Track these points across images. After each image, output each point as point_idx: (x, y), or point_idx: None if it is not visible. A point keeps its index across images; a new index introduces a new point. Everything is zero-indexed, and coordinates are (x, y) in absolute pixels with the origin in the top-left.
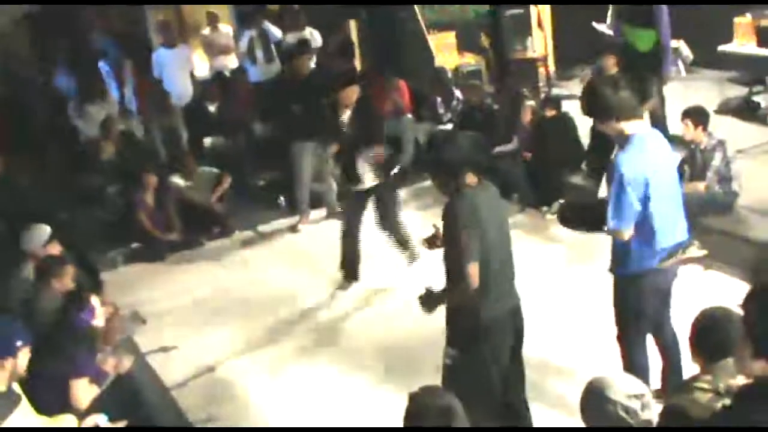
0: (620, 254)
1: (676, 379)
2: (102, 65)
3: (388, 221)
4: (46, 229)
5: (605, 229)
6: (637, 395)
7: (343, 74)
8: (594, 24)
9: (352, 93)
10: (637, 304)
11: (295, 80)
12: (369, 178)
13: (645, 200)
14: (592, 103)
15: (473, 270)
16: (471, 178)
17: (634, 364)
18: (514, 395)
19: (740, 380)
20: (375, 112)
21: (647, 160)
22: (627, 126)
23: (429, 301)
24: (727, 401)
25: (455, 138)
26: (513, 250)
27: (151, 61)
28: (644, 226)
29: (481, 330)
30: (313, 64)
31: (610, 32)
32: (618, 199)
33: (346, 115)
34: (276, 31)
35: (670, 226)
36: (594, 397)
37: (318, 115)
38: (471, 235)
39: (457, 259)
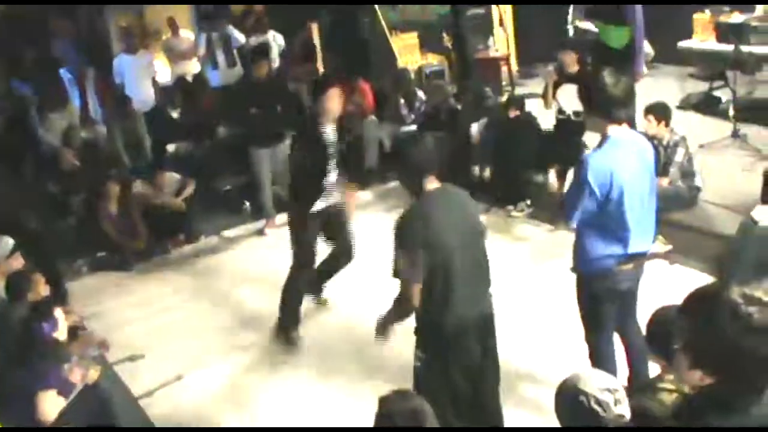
0: (581, 252)
1: (643, 378)
2: (63, 72)
3: (345, 239)
4: (8, 241)
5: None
6: (611, 389)
7: (324, 77)
8: (577, 22)
9: (337, 99)
10: (594, 305)
11: (254, 84)
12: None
13: (608, 201)
14: (594, 93)
15: (414, 291)
16: (432, 182)
17: (600, 365)
18: (485, 397)
19: None
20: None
21: (618, 161)
22: (611, 128)
23: (380, 328)
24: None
25: (417, 140)
26: (484, 255)
27: (112, 68)
28: (609, 226)
29: (444, 338)
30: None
31: (594, 28)
32: (573, 190)
33: (329, 128)
34: (239, 36)
35: (640, 232)
36: (567, 389)
37: (276, 120)
38: (416, 255)
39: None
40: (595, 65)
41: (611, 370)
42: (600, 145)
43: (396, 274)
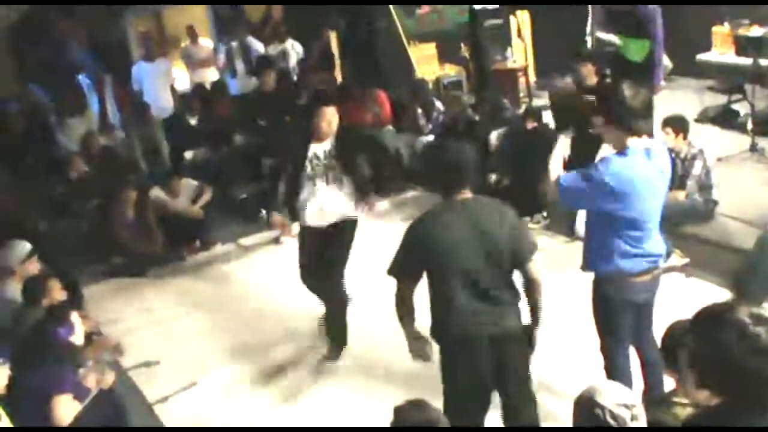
0: (592, 252)
1: (657, 391)
2: (82, 79)
3: (340, 268)
4: (25, 246)
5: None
6: (628, 405)
7: (316, 92)
8: (598, 34)
9: (330, 117)
10: (610, 316)
11: (262, 95)
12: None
13: (625, 207)
14: (614, 105)
15: (404, 291)
16: (463, 193)
17: (615, 377)
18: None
19: None
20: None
21: (639, 171)
22: (631, 140)
23: (414, 346)
24: None
25: (454, 148)
26: (506, 273)
27: (131, 74)
28: (623, 231)
29: (444, 348)
30: (295, 76)
31: (616, 40)
32: (579, 180)
33: (320, 147)
34: (258, 45)
35: (653, 242)
36: (584, 401)
37: (285, 130)
38: (411, 256)
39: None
40: (614, 77)
41: (626, 382)
42: (621, 152)
43: (391, 270)
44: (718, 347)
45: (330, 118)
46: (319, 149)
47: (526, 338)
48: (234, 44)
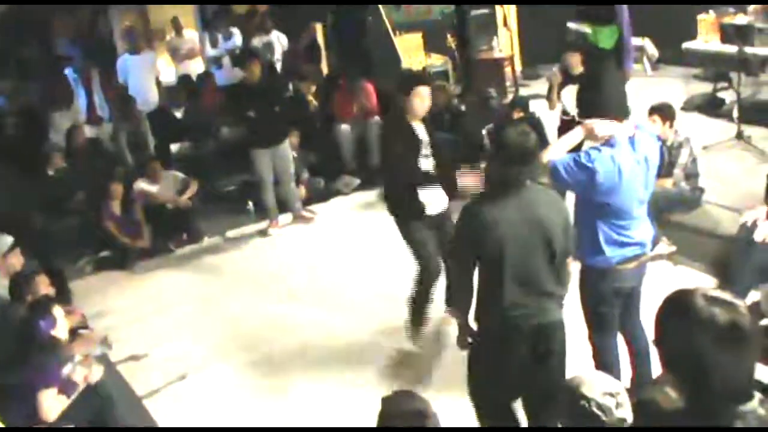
0: (582, 243)
1: (645, 378)
2: (69, 72)
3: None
4: (6, 239)
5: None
6: (612, 393)
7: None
8: (569, 24)
9: (425, 95)
10: (598, 305)
11: (248, 87)
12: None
13: (612, 195)
14: (595, 96)
15: (458, 274)
16: (520, 178)
17: (602, 365)
18: (531, 406)
19: None
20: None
21: (624, 158)
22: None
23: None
24: None
25: (522, 132)
26: (552, 263)
27: (116, 67)
28: (610, 219)
29: (485, 335)
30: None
31: (587, 29)
32: (573, 168)
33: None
34: (238, 37)
35: (640, 229)
36: (569, 393)
37: (274, 121)
38: (465, 243)
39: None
40: (587, 66)
41: (614, 370)
42: (607, 142)
43: (449, 253)
44: (677, 335)
45: (425, 96)
46: (422, 133)
47: (565, 331)
48: (219, 36)
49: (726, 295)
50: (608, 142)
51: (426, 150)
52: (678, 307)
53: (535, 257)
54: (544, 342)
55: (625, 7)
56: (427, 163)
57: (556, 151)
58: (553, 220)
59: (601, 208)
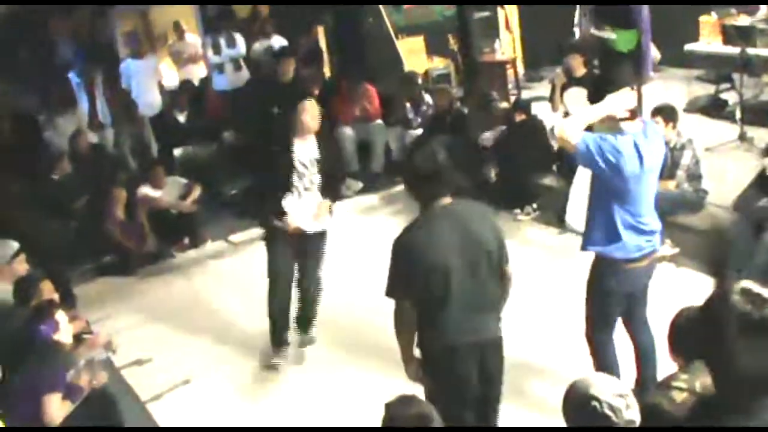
0: (592, 231)
1: (651, 379)
2: (72, 76)
3: (315, 277)
4: (12, 245)
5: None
6: (622, 395)
7: (293, 85)
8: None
9: (312, 113)
10: (604, 301)
11: (277, 85)
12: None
13: (625, 185)
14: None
15: (404, 309)
16: (444, 199)
17: (603, 363)
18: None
19: None
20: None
21: (643, 147)
22: (623, 124)
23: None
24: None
25: (429, 150)
26: (490, 280)
27: (119, 72)
28: (622, 212)
29: (429, 358)
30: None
31: (612, 35)
32: (601, 147)
33: (304, 146)
34: (240, 42)
35: (650, 214)
36: (578, 395)
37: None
38: (408, 274)
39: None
40: (603, 69)
41: (614, 369)
42: (621, 132)
43: (389, 291)
44: (714, 331)
45: (313, 112)
46: (303, 155)
47: (503, 344)
48: (221, 40)
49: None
50: (621, 132)
51: (303, 168)
52: (715, 307)
53: (475, 274)
54: (485, 358)
55: (646, 11)
56: (301, 180)
57: (576, 124)
58: (487, 232)
59: (621, 194)
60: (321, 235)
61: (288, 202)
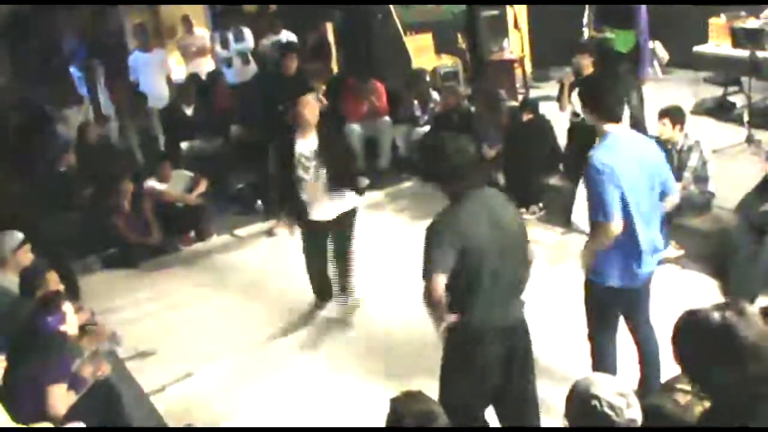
0: (598, 263)
1: (654, 381)
2: (73, 70)
3: (345, 255)
4: (17, 236)
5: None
6: (623, 394)
7: (296, 79)
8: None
9: (311, 107)
10: (600, 305)
11: (282, 79)
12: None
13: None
14: (590, 96)
15: (436, 285)
16: (473, 185)
17: (601, 364)
18: (510, 407)
19: None
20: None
21: (620, 160)
22: (608, 126)
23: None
24: (707, 403)
25: (459, 141)
26: (519, 264)
27: (127, 65)
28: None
29: (456, 339)
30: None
31: (611, 36)
32: (597, 193)
33: (306, 141)
34: (248, 38)
35: (647, 235)
36: (579, 393)
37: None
38: (445, 254)
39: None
40: (600, 68)
41: (611, 369)
42: (601, 142)
43: (425, 274)
44: (699, 350)
45: (312, 105)
46: (305, 148)
47: (529, 329)
48: (230, 34)
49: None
50: (603, 139)
51: (306, 160)
52: (691, 323)
53: (505, 258)
54: (513, 342)
55: (644, 10)
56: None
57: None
58: (513, 219)
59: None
60: (348, 214)
61: (307, 196)
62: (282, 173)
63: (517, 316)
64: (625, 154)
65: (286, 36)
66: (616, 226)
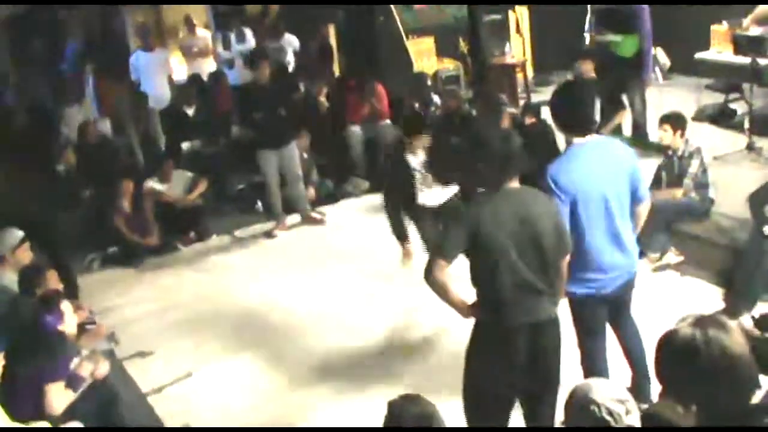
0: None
1: (643, 380)
2: (68, 68)
3: None
4: (16, 234)
5: None
6: (622, 400)
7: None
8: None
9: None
10: (581, 311)
11: (258, 88)
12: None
13: (573, 212)
14: (561, 110)
15: (436, 266)
16: (512, 182)
17: (592, 371)
18: (532, 404)
19: None
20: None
21: (581, 172)
22: (577, 139)
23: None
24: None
25: (508, 138)
26: (547, 262)
27: (127, 64)
28: (575, 245)
29: (480, 333)
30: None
31: (616, 38)
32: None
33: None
34: (250, 39)
35: (603, 249)
36: (578, 399)
37: (281, 122)
38: (457, 236)
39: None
40: (601, 73)
41: (602, 374)
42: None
43: (436, 250)
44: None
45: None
46: (415, 162)
47: (559, 328)
48: (231, 35)
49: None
50: (568, 150)
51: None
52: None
53: (527, 255)
54: (539, 340)
55: (647, 15)
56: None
57: None
58: (544, 219)
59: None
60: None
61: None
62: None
63: (547, 313)
64: (585, 167)
65: (289, 40)
66: None
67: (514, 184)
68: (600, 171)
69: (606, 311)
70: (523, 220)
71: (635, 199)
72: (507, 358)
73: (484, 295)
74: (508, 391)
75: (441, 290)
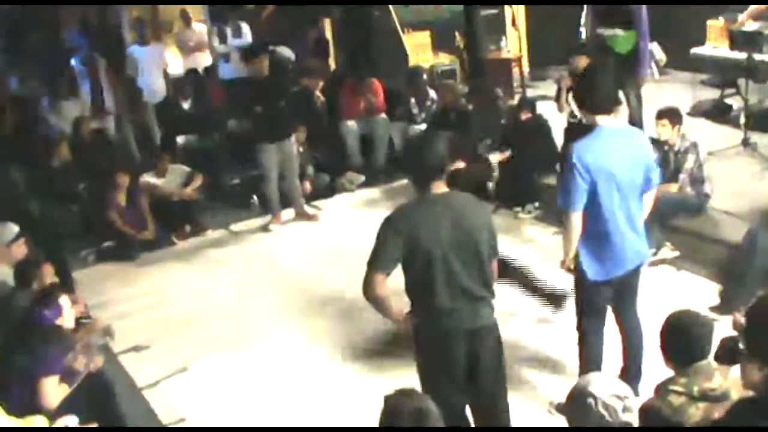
0: (581, 256)
1: (634, 371)
2: (75, 63)
3: None
4: (11, 228)
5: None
6: (620, 396)
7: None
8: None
9: None
10: (588, 301)
11: (255, 82)
12: None
13: (594, 192)
14: (579, 89)
15: (375, 279)
16: (438, 187)
17: (587, 355)
18: (480, 410)
19: (715, 383)
20: None
21: (604, 152)
22: (599, 117)
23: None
24: (701, 404)
25: (430, 141)
26: (482, 268)
27: (124, 58)
28: (592, 225)
29: (421, 343)
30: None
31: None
32: (565, 180)
33: None
34: (246, 33)
35: (619, 231)
36: (578, 390)
37: (280, 116)
38: (389, 247)
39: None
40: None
41: (597, 360)
42: (589, 133)
43: (370, 261)
44: None
45: None
46: None
47: (499, 333)
48: (228, 29)
49: None
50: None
51: None
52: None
53: (464, 261)
54: (478, 346)
55: (644, 10)
56: None
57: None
58: (478, 223)
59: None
60: None
61: None
62: None
63: (484, 321)
64: (608, 149)
65: (282, 51)
66: (576, 217)
67: (442, 188)
68: (622, 155)
69: (611, 294)
70: (456, 224)
71: (645, 186)
72: (448, 366)
73: (421, 304)
74: (460, 397)
75: (380, 305)
